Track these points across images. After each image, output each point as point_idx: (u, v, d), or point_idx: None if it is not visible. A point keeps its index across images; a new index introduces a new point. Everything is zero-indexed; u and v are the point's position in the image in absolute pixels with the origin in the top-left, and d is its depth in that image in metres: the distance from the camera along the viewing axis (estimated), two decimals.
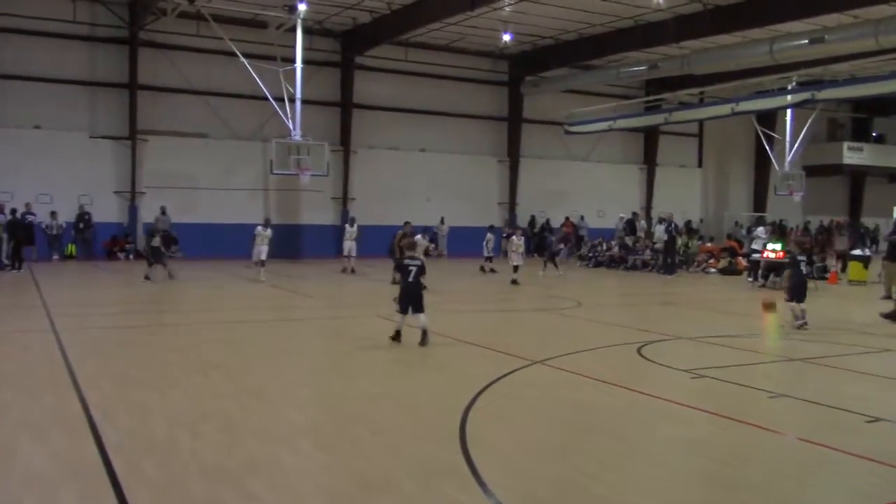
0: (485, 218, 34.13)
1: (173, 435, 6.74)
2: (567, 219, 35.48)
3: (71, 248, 27.98)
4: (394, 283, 11.90)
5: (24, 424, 7.01)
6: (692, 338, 12.76)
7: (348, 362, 10.55)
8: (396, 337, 11.24)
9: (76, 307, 15.98)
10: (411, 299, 11.25)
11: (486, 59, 34.48)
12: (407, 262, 11.59)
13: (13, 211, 24.35)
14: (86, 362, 9.84)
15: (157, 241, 20.75)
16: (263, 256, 21.32)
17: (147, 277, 20.17)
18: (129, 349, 11.06)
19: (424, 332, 11.12)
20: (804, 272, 13.85)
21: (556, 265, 24.25)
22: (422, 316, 11.18)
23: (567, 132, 34.35)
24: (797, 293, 13.38)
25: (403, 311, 11.29)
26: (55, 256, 27.33)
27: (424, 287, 11.63)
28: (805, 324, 13.30)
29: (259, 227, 21.89)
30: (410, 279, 11.27)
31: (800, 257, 13.81)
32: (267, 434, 6.89)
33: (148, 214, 29.13)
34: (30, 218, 24.23)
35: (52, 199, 27.52)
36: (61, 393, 8.18)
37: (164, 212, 28.17)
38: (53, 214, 27.25)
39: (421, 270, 11.37)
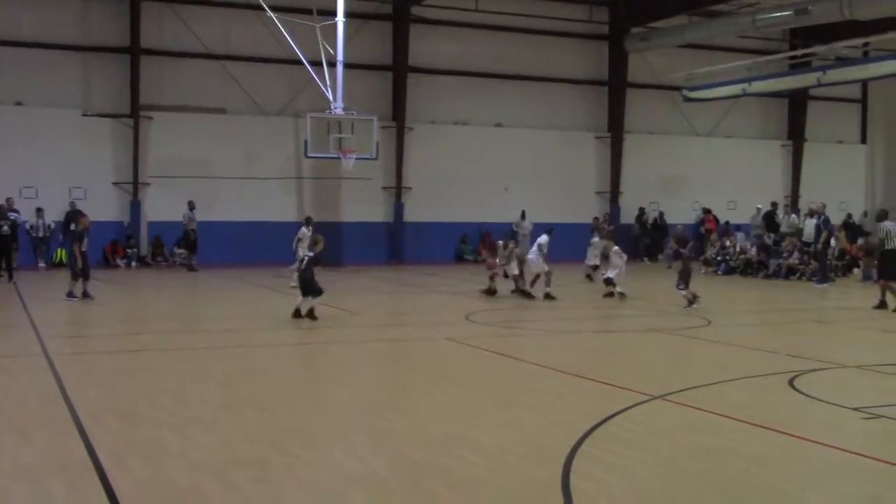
0: (578, 212, 34.01)
1: (199, 485, 6.89)
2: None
3: (60, 254, 28.80)
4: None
5: (17, 471, 7.24)
6: (860, 366, 12.48)
7: (412, 397, 10.62)
8: (296, 314, 16.55)
9: (71, 327, 16.50)
10: (303, 284, 16.70)
11: (579, 6, 34.31)
12: (301, 253, 19.32)
13: None
14: (86, 393, 10.14)
15: (86, 244, 19.70)
16: None
17: (73, 294, 19.36)
18: (136, 378, 11.35)
19: (311, 311, 16.49)
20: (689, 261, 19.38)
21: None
22: (309, 298, 16.51)
23: (686, 99, 33.93)
24: (684, 280, 18.70)
25: (303, 294, 16.68)
26: (41, 264, 28.26)
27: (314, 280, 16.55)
28: (693, 305, 18.35)
29: (303, 228, 22.98)
30: (303, 267, 16.98)
31: (682, 250, 19.47)
32: (315, 486, 6.98)
33: (153, 211, 29.93)
34: (12, 216, 25.07)
35: (36, 194, 28.51)
36: (60, 432, 8.44)
37: (192, 207, 28.70)
38: (39, 212, 28.20)
39: (311, 261, 16.82)
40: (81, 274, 19.44)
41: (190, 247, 28.94)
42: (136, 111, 29.47)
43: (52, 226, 28.45)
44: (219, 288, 24.21)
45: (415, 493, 6.84)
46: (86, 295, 19.47)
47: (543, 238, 20.74)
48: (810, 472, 7.58)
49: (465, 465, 7.52)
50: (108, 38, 29.52)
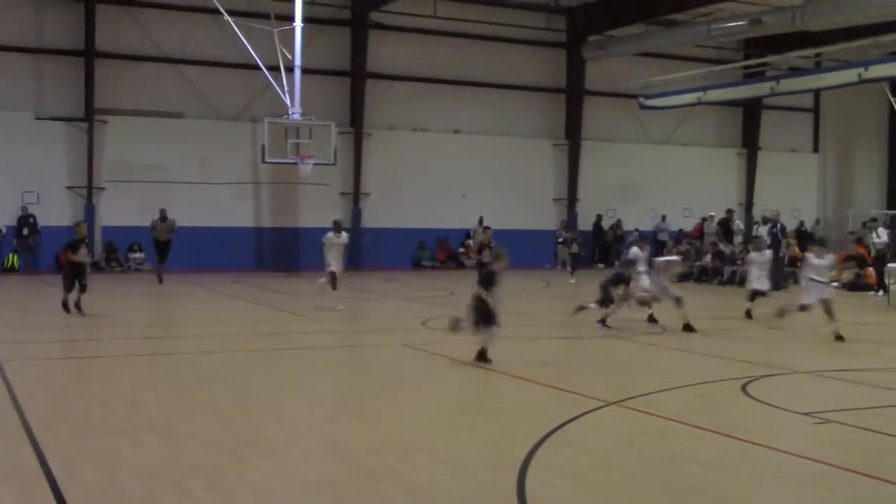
0: (535, 219, 34.23)
1: (151, 492, 6.83)
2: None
3: (12, 259, 28.44)
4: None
5: None
6: (811, 372, 12.71)
7: (370, 404, 10.59)
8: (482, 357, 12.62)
9: (21, 332, 16.23)
10: (477, 312, 12.51)
11: (537, 13, 34.54)
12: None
13: None
14: (37, 400, 10.01)
15: (83, 255, 18.64)
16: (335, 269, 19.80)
17: (67, 306, 18.22)
18: (89, 384, 11.24)
19: (482, 352, 12.61)
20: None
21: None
22: (482, 329, 12.51)
23: (643, 107, 34.20)
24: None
25: (477, 323, 12.57)
26: None
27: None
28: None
29: (330, 234, 20.11)
30: (475, 289, 12.74)
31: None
32: (270, 493, 6.95)
33: (108, 215, 29.62)
34: None
35: None
36: (10, 439, 8.34)
37: (163, 217, 27.07)
38: None
39: (485, 280, 12.63)
40: (79, 286, 18.17)
41: (161, 255, 27.56)
42: (90, 115, 29.10)
43: (4, 230, 28.05)
44: (174, 294, 23.98)
45: (370, 500, 6.84)
46: (77, 307, 18.09)
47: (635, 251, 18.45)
48: (763, 477, 7.67)
49: (420, 472, 7.54)
50: (61, 40, 29.15)
